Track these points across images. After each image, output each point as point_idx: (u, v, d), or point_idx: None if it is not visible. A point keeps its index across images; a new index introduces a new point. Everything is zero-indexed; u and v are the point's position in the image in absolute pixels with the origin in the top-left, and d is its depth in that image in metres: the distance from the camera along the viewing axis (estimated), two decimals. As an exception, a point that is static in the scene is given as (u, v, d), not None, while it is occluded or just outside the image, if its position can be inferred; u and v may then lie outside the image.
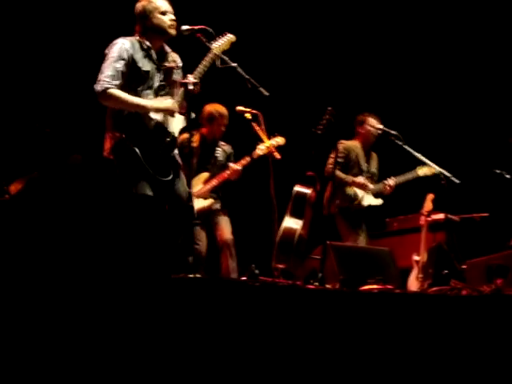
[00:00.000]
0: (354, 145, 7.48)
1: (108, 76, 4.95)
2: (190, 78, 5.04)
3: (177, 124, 5.14)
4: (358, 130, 7.54)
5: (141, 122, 5.00)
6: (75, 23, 7.70)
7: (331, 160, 7.20)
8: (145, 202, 4.96)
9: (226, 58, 5.13)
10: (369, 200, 7.38)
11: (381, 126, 7.23)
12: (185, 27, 5.13)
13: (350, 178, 7.32)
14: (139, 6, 5.14)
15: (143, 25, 5.12)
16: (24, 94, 7.51)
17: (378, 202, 7.42)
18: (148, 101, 5.01)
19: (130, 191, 4.94)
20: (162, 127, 5.07)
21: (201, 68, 5.13)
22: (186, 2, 5.36)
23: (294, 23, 8.75)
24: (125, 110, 5.00)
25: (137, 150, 4.92)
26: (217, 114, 6.85)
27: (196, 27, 5.12)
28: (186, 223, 4.98)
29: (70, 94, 7.57)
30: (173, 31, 5.13)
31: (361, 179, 7.36)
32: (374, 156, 7.65)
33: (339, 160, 7.20)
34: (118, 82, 4.96)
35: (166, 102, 5.06)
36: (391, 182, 7.39)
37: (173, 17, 5.14)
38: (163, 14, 5.11)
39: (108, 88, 4.92)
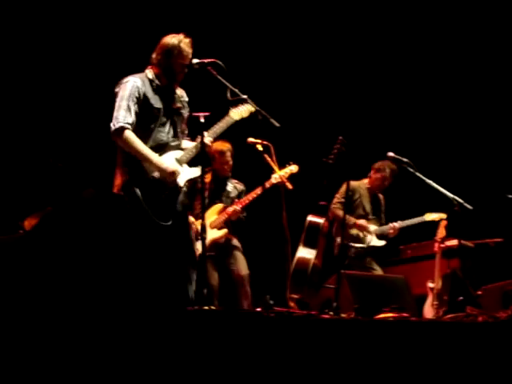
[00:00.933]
0: (360, 185, 7.57)
1: (122, 115, 4.99)
2: (207, 137, 5.13)
3: (185, 175, 5.16)
4: (372, 174, 7.65)
5: (146, 167, 5.04)
6: (86, 60, 7.77)
7: (335, 200, 7.30)
8: (154, 237, 4.98)
9: (236, 90, 5.17)
10: (372, 241, 7.44)
11: (391, 154, 7.24)
12: (195, 60, 5.17)
13: (352, 220, 7.37)
14: (169, 40, 5.15)
15: (161, 59, 5.15)
16: (37, 130, 7.57)
17: (381, 243, 7.50)
18: (155, 155, 5.02)
19: (140, 226, 4.96)
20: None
21: (217, 129, 5.27)
22: (195, 34, 5.39)
23: (304, 54, 8.80)
24: None
25: (138, 192, 4.96)
26: (216, 153, 6.85)
27: (206, 60, 5.16)
28: (197, 261, 5.00)
29: (82, 129, 7.63)
30: (177, 82, 5.20)
31: (362, 222, 7.43)
32: (381, 197, 7.73)
33: (342, 200, 7.30)
34: (131, 121, 5.00)
35: (171, 166, 5.06)
36: (397, 225, 7.50)
37: (186, 70, 5.19)
38: (183, 63, 5.14)
39: (123, 127, 4.97)
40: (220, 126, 5.30)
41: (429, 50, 9.03)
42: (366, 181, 7.68)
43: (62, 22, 7.75)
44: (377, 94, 9.07)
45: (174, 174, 5.06)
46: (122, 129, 4.97)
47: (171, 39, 5.14)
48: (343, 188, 7.40)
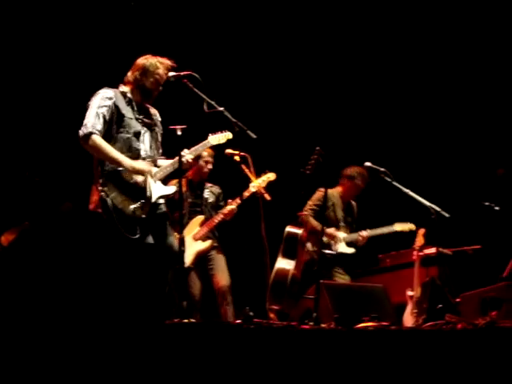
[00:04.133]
0: (333, 193, 7.57)
1: (91, 122, 5.02)
2: (187, 154, 5.26)
3: (159, 190, 5.18)
4: (343, 181, 7.64)
5: (120, 179, 5.05)
6: (64, 73, 7.75)
7: (307, 207, 7.31)
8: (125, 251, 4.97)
9: (213, 103, 5.17)
10: (341, 248, 7.45)
11: (368, 164, 7.27)
12: (171, 73, 5.20)
13: (320, 227, 7.36)
14: (144, 60, 5.25)
15: (136, 78, 5.22)
16: (13, 144, 7.52)
17: (350, 250, 7.49)
18: (126, 158, 5.06)
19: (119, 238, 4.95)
20: (140, 189, 5.11)
21: (196, 150, 5.47)
22: (172, 48, 5.40)
23: (281, 66, 8.83)
24: (108, 163, 5.05)
25: (110, 204, 4.95)
26: (206, 150, 6.86)
27: (182, 73, 5.19)
28: (177, 271, 5.00)
29: (59, 143, 7.59)
30: (151, 100, 5.28)
31: (331, 230, 7.43)
32: (354, 205, 7.74)
33: (314, 207, 7.31)
34: (100, 128, 5.02)
35: (142, 164, 5.11)
36: (365, 233, 7.52)
37: (161, 88, 5.24)
38: (158, 82, 5.21)
39: (91, 133, 4.99)
40: (198, 148, 5.51)
41: (401, 60, 9.08)
42: (339, 189, 7.66)
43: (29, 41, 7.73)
44: (353, 105, 9.10)
45: (149, 172, 5.11)
46: (90, 134, 4.99)
47: (149, 59, 5.24)
48: (316, 195, 7.42)
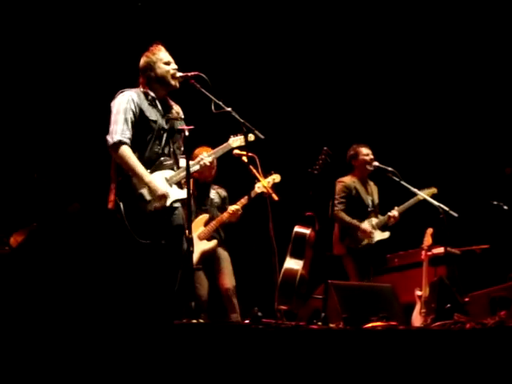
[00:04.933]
0: (352, 180, 7.48)
1: (120, 128, 4.98)
2: (206, 158, 5.32)
3: (174, 194, 5.12)
4: (353, 163, 7.55)
5: (132, 185, 5.01)
6: (70, 74, 7.76)
7: (335, 201, 7.23)
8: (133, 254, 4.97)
9: (220, 103, 5.17)
10: (377, 236, 7.39)
11: (376, 163, 7.27)
12: (178, 74, 5.19)
13: (355, 223, 7.32)
14: (143, 58, 5.23)
15: (147, 76, 5.19)
16: (22, 145, 7.54)
17: (386, 235, 7.43)
18: (149, 176, 4.99)
19: (132, 241, 4.94)
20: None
21: (216, 153, 5.52)
22: (179, 49, 5.41)
23: (288, 65, 8.83)
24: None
25: (121, 207, 4.94)
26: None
27: (189, 74, 5.18)
28: (185, 272, 4.99)
29: (67, 144, 7.61)
30: (175, 82, 5.20)
31: (366, 226, 7.36)
32: (373, 186, 7.66)
33: (342, 200, 7.27)
34: (129, 135, 5.00)
35: (162, 188, 5.03)
36: (395, 212, 7.40)
37: (175, 66, 5.22)
38: (166, 64, 5.20)
39: (121, 141, 4.96)
40: (219, 151, 5.50)
41: (409, 59, 9.08)
42: (354, 173, 7.54)
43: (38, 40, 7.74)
44: (360, 105, 9.10)
45: (163, 197, 5.04)
46: (120, 143, 4.96)
47: (146, 57, 5.22)
48: (338, 188, 7.32)
